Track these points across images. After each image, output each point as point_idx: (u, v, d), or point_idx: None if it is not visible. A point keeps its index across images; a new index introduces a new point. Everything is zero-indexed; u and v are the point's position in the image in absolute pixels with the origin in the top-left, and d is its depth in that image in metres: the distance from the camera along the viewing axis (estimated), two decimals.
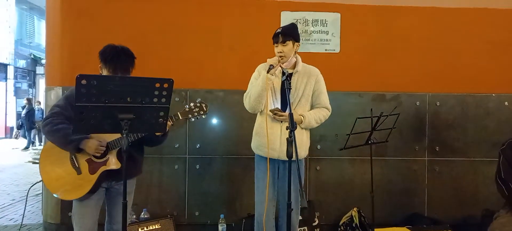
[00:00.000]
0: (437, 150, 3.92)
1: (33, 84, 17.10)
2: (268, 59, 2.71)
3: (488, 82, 3.94)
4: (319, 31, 3.86)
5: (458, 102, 3.95)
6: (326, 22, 3.87)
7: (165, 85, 2.01)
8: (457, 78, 3.93)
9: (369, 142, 3.13)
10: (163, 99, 2.04)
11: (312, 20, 3.86)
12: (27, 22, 16.43)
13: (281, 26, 2.73)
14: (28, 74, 16.90)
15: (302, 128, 2.71)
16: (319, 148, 3.83)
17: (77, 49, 3.68)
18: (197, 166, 3.79)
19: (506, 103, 3.94)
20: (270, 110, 2.61)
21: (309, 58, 3.37)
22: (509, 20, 3.95)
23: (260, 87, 2.59)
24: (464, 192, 3.92)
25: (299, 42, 2.73)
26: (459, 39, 3.94)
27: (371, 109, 3.12)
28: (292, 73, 2.72)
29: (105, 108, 1.93)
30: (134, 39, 3.67)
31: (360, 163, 3.82)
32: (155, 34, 3.78)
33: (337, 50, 3.89)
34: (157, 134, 2.34)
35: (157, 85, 2.00)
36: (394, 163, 3.91)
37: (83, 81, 1.87)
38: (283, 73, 2.66)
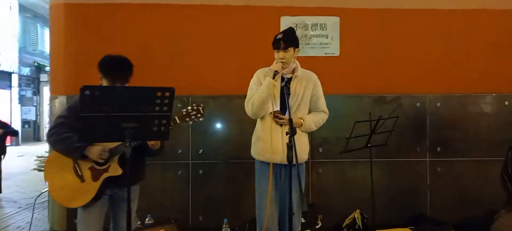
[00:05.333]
0: (438, 150, 3.94)
1: (37, 92, 17.23)
2: (271, 66, 2.74)
3: (488, 82, 3.96)
4: (319, 35, 3.90)
5: (458, 102, 3.97)
6: (326, 26, 3.91)
7: (167, 94, 2.04)
8: (457, 79, 3.96)
9: (368, 145, 3.16)
10: (165, 108, 2.07)
11: (312, 24, 3.90)
12: (30, 30, 16.58)
13: (281, 31, 2.74)
14: (32, 81, 17.04)
15: (301, 131, 2.74)
16: (321, 150, 3.86)
17: (81, 58, 3.74)
18: (200, 171, 3.83)
19: (506, 102, 3.96)
20: (271, 112, 2.65)
21: (309, 62, 3.42)
22: (508, 20, 3.97)
23: (264, 93, 2.60)
24: (467, 192, 3.93)
25: (298, 47, 2.76)
26: (458, 40, 3.97)
27: (370, 113, 3.15)
28: (291, 78, 2.75)
29: (108, 118, 1.98)
30: (136, 47, 3.75)
31: (362, 165, 3.83)
32: (157, 42, 3.84)
33: (337, 53, 3.92)
34: (153, 147, 2.37)
35: (159, 94, 2.03)
36: (396, 164, 3.93)
37: (87, 92, 1.91)
38: (282, 79, 2.70)
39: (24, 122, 16.16)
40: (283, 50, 2.64)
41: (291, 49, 2.66)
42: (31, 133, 16.36)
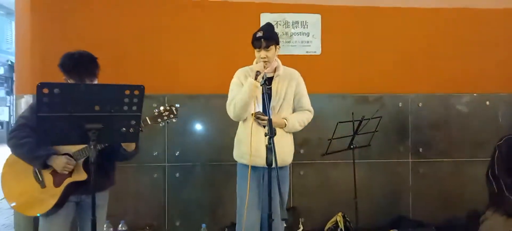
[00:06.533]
0: (420, 151, 3.89)
1: (11, 92, 16.58)
2: (252, 66, 2.61)
3: (470, 82, 3.94)
4: (300, 33, 3.80)
5: (440, 102, 3.93)
6: (307, 24, 3.80)
7: (136, 92, 1.89)
8: (439, 79, 3.92)
9: (351, 146, 3.07)
10: (134, 108, 1.91)
11: (293, 22, 3.79)
12: (4, 28, 15.95)
13: (260, 28, 2.62)
14: (6, 81, 16.39)
15: (286, 132, 2.63)
16: (302, 152, 3.75)
17: (49, 55, 3.48)
18: (177, 174, 3.66)
19: (487, 102, 3.94)
20: (253, 114, 2.52)
21: (290, 60, 3.30)
22: (489, 20, 3.96)
23: (247, 95, 2.48)
24: (449, 193, 3.89)
25: (279, 44, 2.65)
26: (441, 40, 3.93)
27: (353, 113, 3.05)
28: (273, 77, 2.64)
29: (70, 118, 1.80)
30: (109, 44, 3.57)
31: (344, 167, 3.74)
32: (131, 39, 3.65)
33: (318, 52, 3.82)
34: (127, 149, 2.20)
35: (127, 92, 1.87)
36: (378, 165, 3.86)
37: (45, 90, 1.73)
38: (263, 78, 2.58)
39: None
40: (265, 49, 2.52)
41: (273, 47, 2.55)
42: (4, 134, 15.70)
